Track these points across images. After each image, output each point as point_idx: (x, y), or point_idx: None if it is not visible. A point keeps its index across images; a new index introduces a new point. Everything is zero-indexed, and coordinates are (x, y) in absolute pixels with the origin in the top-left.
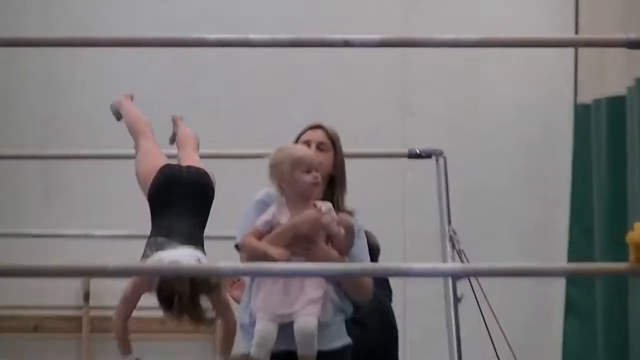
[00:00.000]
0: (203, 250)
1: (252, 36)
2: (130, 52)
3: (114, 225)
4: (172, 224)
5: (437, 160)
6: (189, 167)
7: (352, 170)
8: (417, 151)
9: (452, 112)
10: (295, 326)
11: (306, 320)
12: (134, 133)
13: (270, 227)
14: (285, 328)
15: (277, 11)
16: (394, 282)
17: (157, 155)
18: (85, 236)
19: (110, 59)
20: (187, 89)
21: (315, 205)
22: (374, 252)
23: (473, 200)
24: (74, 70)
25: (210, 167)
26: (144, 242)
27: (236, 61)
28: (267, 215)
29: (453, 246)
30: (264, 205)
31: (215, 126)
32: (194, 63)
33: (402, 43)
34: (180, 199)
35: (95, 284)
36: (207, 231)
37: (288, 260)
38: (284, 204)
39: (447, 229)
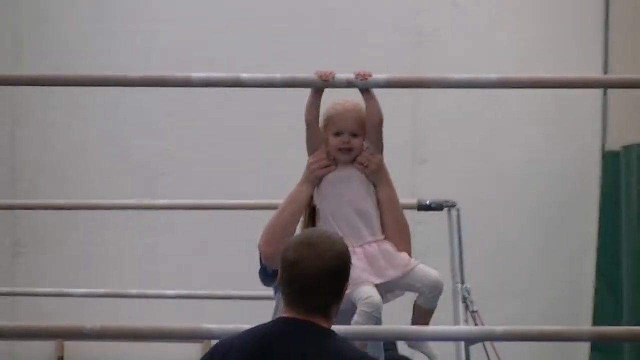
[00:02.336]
0: None
1: (245, 75)
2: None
3: (91, 283)
4: None
5: (449, 213)
6: None
7: None
8: (428, 202)
9: (467, 160)
10: (420, 274)
11: (429, 269)
12: None
13: None
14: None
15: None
16: (401, 347)
17: None
18: (60, 295)
19: (85, 100)
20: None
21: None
22: None
23: (489, 257)
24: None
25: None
26: (124, 301)
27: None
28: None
29: (467, 308)
30: None
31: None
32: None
33: (412, 83)
34: None
35: (71, 348)
36: None
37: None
38: None
39: (460, 289)
